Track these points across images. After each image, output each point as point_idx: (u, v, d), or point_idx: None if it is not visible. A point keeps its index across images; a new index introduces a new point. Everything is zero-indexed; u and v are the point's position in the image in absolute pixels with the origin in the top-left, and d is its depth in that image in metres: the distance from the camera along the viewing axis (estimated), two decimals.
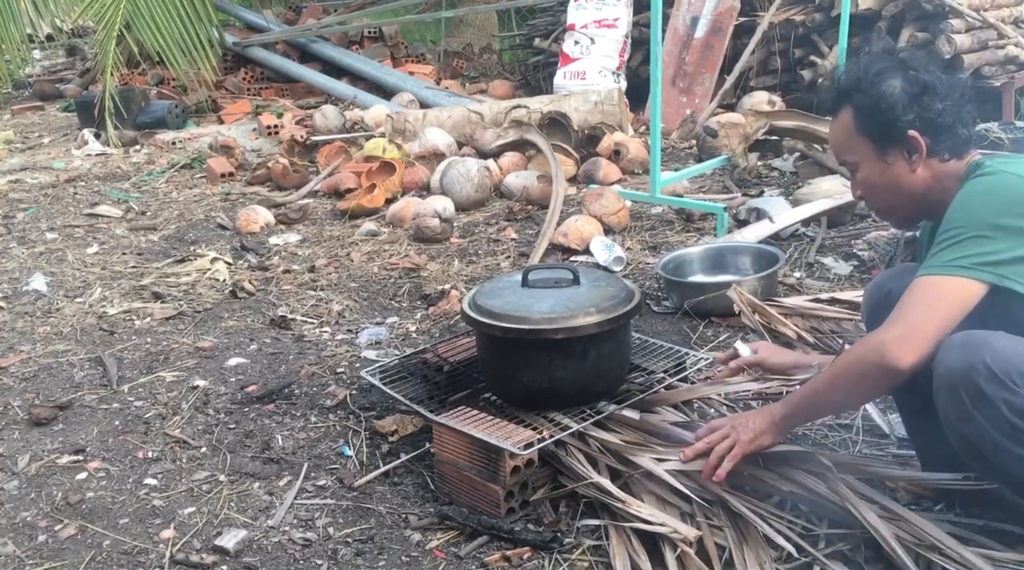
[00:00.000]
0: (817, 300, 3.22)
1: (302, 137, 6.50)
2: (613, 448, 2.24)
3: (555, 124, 5.70)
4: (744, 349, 2.36)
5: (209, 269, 4.34)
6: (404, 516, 2.32)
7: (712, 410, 2.64)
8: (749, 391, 2.78)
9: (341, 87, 8.17)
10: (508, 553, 2.11)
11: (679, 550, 1.96)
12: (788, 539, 1.96)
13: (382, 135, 6.09)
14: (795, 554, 1.94)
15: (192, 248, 4.72)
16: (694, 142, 5.95)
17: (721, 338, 3.21)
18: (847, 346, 2.65)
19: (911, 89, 1.83)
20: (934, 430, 1.97)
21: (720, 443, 2.00)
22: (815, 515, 2.05)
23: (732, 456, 1.97)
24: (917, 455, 2.25)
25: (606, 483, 2.16)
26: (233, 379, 3.19)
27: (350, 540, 2.24)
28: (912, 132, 1.84)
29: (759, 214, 4.16)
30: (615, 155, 5.55)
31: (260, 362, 3.32)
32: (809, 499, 2.04)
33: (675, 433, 2.26)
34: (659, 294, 3.65)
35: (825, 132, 4.89)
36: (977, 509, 2.06)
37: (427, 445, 2.54)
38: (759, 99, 6.02)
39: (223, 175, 6.11)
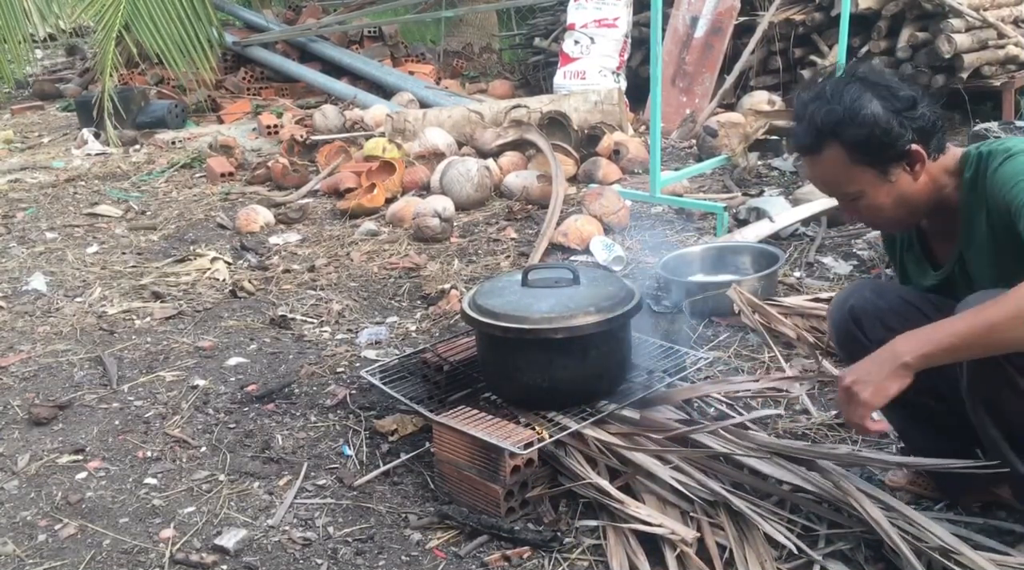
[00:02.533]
0: (817, 300, 3.23)
1: (302, 137, 6.50)
2: (613, 448, 2.24)
3: (555, 124, 5.69)
4: None
5: (209, 269, 4.34)
6: (404, 516, 2.32)
7: (712, 408, 2.64)
8: (749, 390, 2.79)
9: (341, 87, 8.17)
10: (508, 552, 2.11)
11: (678, 550, 1.96)
12: (788, 538, 1.96)
13: (382, 135, 6.09)
14: (796, 552, 1.93)
15: (192, 248, 4.72)
16: (694, 142, 5.95)
17: (721, 338, 3.21)
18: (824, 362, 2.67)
19: (892, 105, 1.79)
20: (924, 430, 1.98)
21: (847, 411, 1.79)
22: (815, 515, 2.05)
23: (862, 417, 1.75)
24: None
25: (604, 484, 2.16)
26: (233, 379, 3.19)
27: (350, 539, 2.24)
28: (913, 146, 1.80)
29: (759, 214, 4.16)
30: (615, 155, 5.55)
31: (260, 362, 3.32)
32: (811, 497, 2.04)
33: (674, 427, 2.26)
34: (659, 294, 3.64)
35: None
36: (977, 508, 2.06)
37: (427, 445, 2.54)
38: (759, 99, 6.02)
39: (223, 175, 6.11)
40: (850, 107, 1.79)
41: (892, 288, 2.07)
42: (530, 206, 4.91)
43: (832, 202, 4.25)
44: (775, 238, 4.02)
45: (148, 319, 3.79)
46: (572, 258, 4.11)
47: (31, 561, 2.24)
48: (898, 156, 1.81)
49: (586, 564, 2.07)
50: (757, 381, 2.51)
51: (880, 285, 2.12)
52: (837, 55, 5.48)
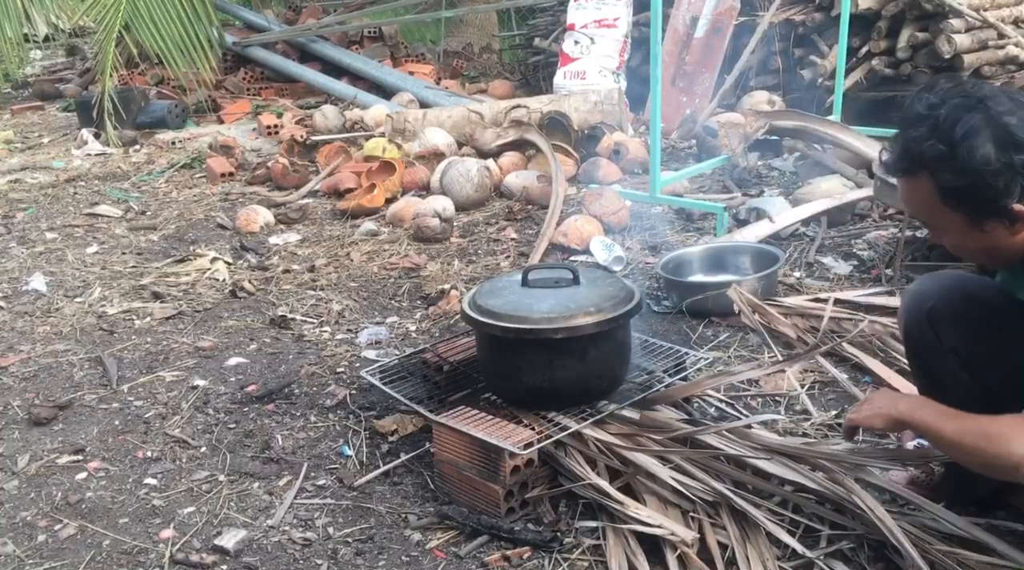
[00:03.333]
0: (817, 300, 3.23)
1: (302, 137, 6.49)
2: (613, 448, 2.24)
3: (555, 124, 5.69)
4: None
5: (209, 269, 4.34)
6: (404, 516, 2.32)
7: (712, 408, 2.64)
8: (750, 390, 2.79)
9: (341, 87, 8.17)
10: (508, 553, 2.11)
11: (678, 550, 1.96)
12: (790, 538, 1.96)
13: (382, 135, 6.08)
14: (799, 551, 1.93)
15: (192, 248, 4.72)
16: (694, 142, 5.94)
17: (721, 338, 3.21)
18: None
19: (1008, 157, 1.53)
20: None
21: (852, 411, 1.90)
22: (817, 515, 2.05)
23: (848, 420, 1.88)
24: None
25: (603, 484, 2.16)
26: (233, 379, 3.19)
27: (350, 540, 2.24)
28: (1016, 206, 1.56)
29: (759, 214, 4.16)
30: (615, 155, 5.55)
31: (260, 362, 3.32)
32: (814, 497, 2.04)
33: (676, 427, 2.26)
34: (659, 294, 3.65)
35: (825, 132, 4.89)
36: (976, 507, 2.06)
37: (427, 445, 2.54)
38: (759, 99, 6.01)
39: (223, 175, 6.11)
40: (957, 145, 1.55)
41: (976, 292, 1.91)
42: (530, 206, 4.91)
43: (832, 202, 4.27)
44: (775, 238, 4.02)
45: (148, 319, 3.79)
46: (572, 258, 4.11)
47: (31, 561, 2.24)
48: (996, 212, 1.59)
49: (586, 564, 2.07)
50: (759, 367, 2.50)
51: (966, 287, 1.95)
52: (837, 55, 5.49)
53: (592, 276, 2.52)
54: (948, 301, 1.93)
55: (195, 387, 3.13)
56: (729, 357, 3.05)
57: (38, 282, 4.29)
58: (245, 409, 2.95)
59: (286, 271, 4.30)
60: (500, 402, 2.48)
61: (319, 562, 2.16)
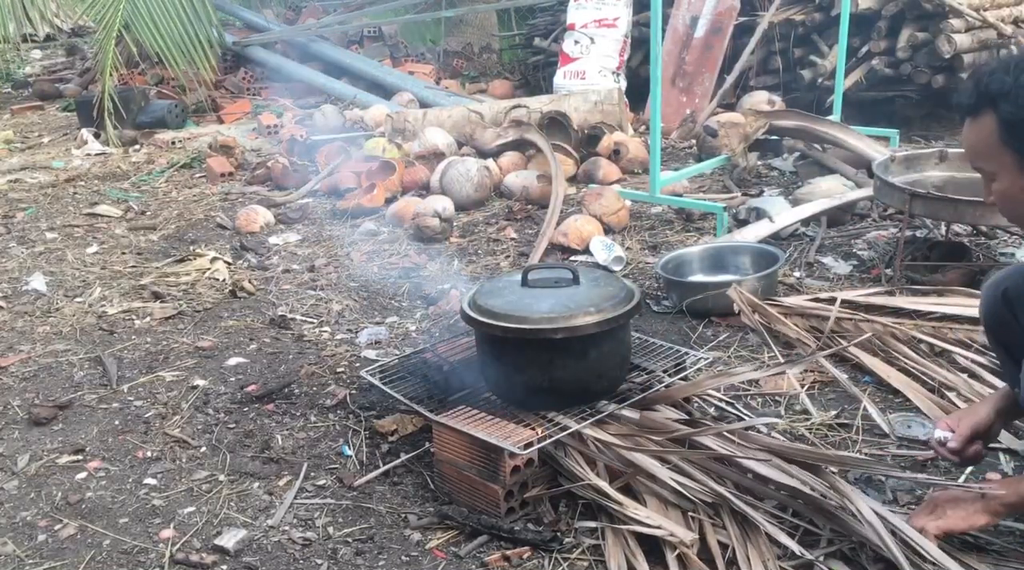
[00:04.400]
0: (817, 299, 3.23)
1: (302, 137, 6.49)
2: (613, 448, 2.24)
3: (555, 124, 5.70)
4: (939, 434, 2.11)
5: (209, 269, 4.34)
6: (404, 516, 2.32)
7: (712, 408, 2.64)
8: (750, 390, 2.79)
9: (341, 87, 8.17)
10: (508, 553, 2.11)
11: (678, 551, 1.96)
12: (789, 539, 1.96)
13: (382, 135, 6.09)
14: (798, 552, 1.93)
15: (192, 248, 4.72)
16: (694, 142, 5.95)
17: (721, 338, 3.21)
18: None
19: None
20: None
21: (926, 520, 1.92)
22: (812, 521, 2.05)
23: (936, 527, 1.89)
24: None
25: (603, 485, 2.16)
26: (233, 379, 3.19)
27: (350, 540, 2.24)
28: None
29: (759, 214, 4.16)
30: (615, 155, 5.55)
31: (260, 362, 3.32)
32: (811, 505, 2.03)
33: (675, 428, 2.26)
34: (659, 294, 3.65)
35: (825, 131, 4.89)
36: None
37: (427, 445, 2.54)
38: (759, 99, 6.02)
39: (223, 175, 6.11)
40: (1021, 83, 1.65)
41: None
42: (530, 206, 4.92)
43: (832, 202, 4.27)
44: (775, 238, 4.02)
45: (148, 319, 3.79)
46: (572, 258, 4.11)
47: (31, 561, 2.24)
48: None
49: (586, 564, 2.07)
50: (760, 368, 2.50)
51: None
52: (837, 55, 5.49)
53: (592, 276, 2.52)
54: (1018, 281, 1.97)
55: (195, 387, 3.13)
56: (729, 357, 3.05)
57: (38, 282, 4.29)
58: (245, 409, 2.95)
59: (286, 271, 4.30)
60: (500, 402, 2.48)
61: (319, 562, 2.16)
